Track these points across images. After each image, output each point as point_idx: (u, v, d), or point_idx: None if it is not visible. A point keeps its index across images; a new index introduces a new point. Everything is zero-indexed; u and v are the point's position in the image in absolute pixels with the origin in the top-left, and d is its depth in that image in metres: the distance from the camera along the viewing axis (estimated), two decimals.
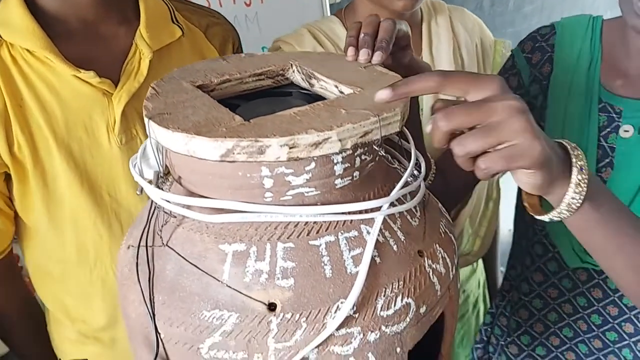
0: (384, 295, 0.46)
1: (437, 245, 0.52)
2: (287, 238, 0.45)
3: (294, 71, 0.58)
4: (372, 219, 0.47)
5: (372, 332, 0.45)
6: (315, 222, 0.46)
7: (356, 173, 0.48)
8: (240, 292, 0.44)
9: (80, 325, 0.83)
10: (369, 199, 0.48)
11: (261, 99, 0.55)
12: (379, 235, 0.47)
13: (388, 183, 0.51)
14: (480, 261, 1.26)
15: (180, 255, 0.47)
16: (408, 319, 0.47)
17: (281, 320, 0.43)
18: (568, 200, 0.49)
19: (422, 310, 0.48)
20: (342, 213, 0.46)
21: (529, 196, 0.53)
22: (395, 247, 0.48)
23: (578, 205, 0.49)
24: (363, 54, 0.57)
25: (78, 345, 0.84)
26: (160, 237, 0.49)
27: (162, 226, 0.50)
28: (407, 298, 0.47)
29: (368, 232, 0.47)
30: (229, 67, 0.57)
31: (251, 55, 0.61)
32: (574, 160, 0.49)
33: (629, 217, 0.54)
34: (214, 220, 0.46)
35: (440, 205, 0.60)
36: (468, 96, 0.45)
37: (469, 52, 1.03)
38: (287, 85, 0.58)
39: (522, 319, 0.98)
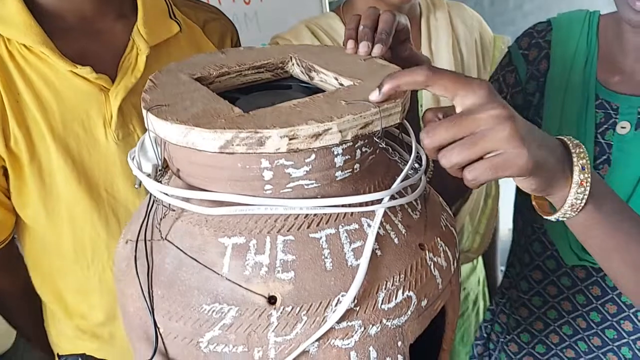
0: (385, 288, 0.45)
1: (438, 238, 0.52)
2: (287, 231, 0.45)
3: (293, 64, 0.57)
4: (373, 211, 0.47)
5: (373, 325, 0.44)
6: (315, 215, 0.46)
7: (357, 165, 0.47)
8: (240, 286, 0.44)
9: (79, 321, 0.82)
10: (370, 192, 0.47)
11: (260, 92, 0.54)
12: (379, 228, 0.46)
13: (389, 176, 0.51)
14: (480, 259, 1.26)
15: (179, 249, 0.47)
16: (409, 312, 0.46)
17: (281, 313, 0.43)
18: (571, 200, 0.48)
19: (424, 303, 0.48)
20: (343, 205, 0.46)
21: (535, 196, 0.52)
22: (396, 240, 0.48)
23: (582, 205, 0.48)
24: (363, 47, 0.57)
25: (75, 341, 0.84)
26: (159, 230, 0.49)
27: (160, 220, 0.50)
28: (409, 291, 0.47)
29: (369, 225, 0.47)
30: (228, 60, 0.57)
31: (250, 49, 0.61)
32: (575, 159, 0.48)
33: (630, 216, 0.53)
34: (213, 213, 0.46)
35: (440, 199, 0.59)
36: (455, 100, 0.44)
37: (468, 48, 1.03)
38: (287, 78, 0.58)
39: (521, 317, 0.98)
